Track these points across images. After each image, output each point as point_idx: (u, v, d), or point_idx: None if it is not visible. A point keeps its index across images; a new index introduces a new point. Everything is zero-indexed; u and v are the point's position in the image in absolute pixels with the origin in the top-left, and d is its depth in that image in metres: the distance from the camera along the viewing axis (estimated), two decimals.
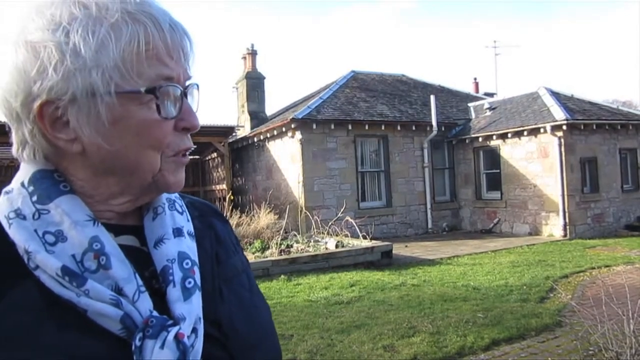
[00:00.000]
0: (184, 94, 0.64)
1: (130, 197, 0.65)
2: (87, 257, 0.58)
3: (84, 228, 0.59)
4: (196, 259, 0.68)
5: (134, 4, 0.61)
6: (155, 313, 0.59)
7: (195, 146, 0.60)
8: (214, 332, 0.65)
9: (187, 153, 0.68)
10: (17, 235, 0.58)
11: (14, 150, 0.64)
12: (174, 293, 0.62)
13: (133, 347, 0.56)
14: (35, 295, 0.56)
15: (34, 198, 0.60)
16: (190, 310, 0.61)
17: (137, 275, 0.60)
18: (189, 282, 0.64)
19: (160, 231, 0.67)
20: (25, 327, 0.55)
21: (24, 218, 0.59)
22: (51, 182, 0.62)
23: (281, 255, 8.22)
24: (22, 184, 0.62)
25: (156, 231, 0.67)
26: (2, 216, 0.61)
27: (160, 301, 0.61)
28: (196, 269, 0.66)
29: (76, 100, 0.58)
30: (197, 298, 0.64)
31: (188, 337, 0.59)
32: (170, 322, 0.59)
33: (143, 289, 0.60)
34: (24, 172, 0.64)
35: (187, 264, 0.65)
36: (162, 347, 0.56)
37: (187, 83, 0.66)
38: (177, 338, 0.58)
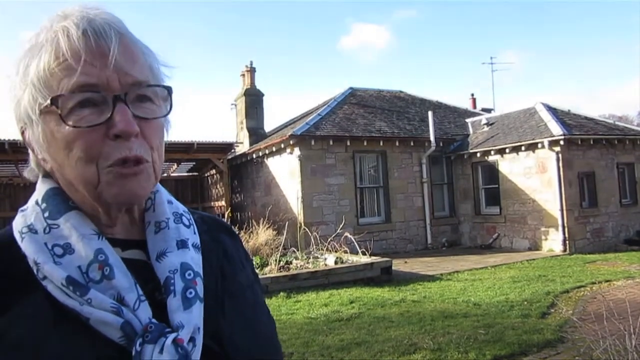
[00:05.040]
0: (120, 99, 0.61)
1: (101, 210, 0.66)
2: (92, 268, 0.60)
3: (90, 241, 0.62)
4: (200, 271, 0.68)
5: (58, 18, 0.64)
6: (154, 321, 0.61)
7: (137, 154, 0.63)
8: (214, 346, 0.65)
9: (137, 162, 0.63)
10: (28, 248, 0.62)
11: (26, 172, 0.72)
12: (174, 302, 0.63)
13: (133, 352, 0.57)
14: (43, 306, 0.59)
15: (46, 214, 0.65)
16: (189, 319, 0.62)
17: (137, 285, 0.62)
18: (190, 293, 0.64)
19: (163, 245, 0.68)
20: (32, 337, 0.57)
21: (36, 232, 0.63)
22: (61, 199, 0.66)
23: (280, 271, 8.17)
24: (37, 202, 0.67)
25: (159, 245, 0.68)
26: (16, 232, 0.65)
27: (162, 313, 0.62)
28: (199, 280, 0.67)
29: (27, 125, 0.65)
30: (197, 308, 0.64)
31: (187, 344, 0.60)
32: (169, 329, 0.60)
33: (143, 297, 0.61)
34: (39, 191, 0.69)
35: (189, 274, 0.66)
36: (160, 351, 0.58)
37: (136, 89, 0.63)
38: (177, 343, 0.59)
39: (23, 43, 0.65)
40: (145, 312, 0.61)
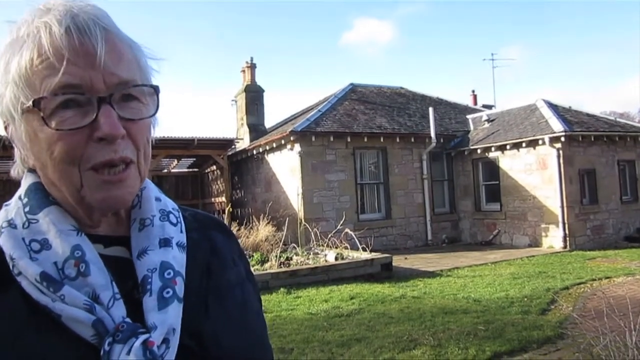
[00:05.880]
0: (104, 100, 0.60)
1: (82, 212, 0.64)
2: (68, 265, 0.59)
3: (68, 237, 0.61)
4: (181, 270, 0.66)
5: (40, 11, 0.61)
6: (128, 320, 0.59)
7: (122, 155, 0.62)
8: (193, 345, 0.64)
9: (123, 165, 0.62)
10: (6, 243, 0.61)
11: (12, 170, 0.71)
12: (149, 302, 0.62)
13: (102, 352, 0.56)
14: (17, 302, 0.58)
15: (27, 209, 0.64)
16: (163, 319, 0.61)
17: (114, 283, 0.60)
18: (167, 292, 0.63)
19: (145, 242, 0.66)
20: (5, 333, 0.56)
21: (15, 227, 0.62)
22: (43, 194, 0.65)
23: (280, 267, 8.18)
24: (19, 197, 0.66)
25: (141, 242, 0.66)
26: None
27: (139, 311, 0.61)
28: (179, 280, 0.65)
29: (9, 121, 0.64)
30: (174, 308, 0.62)
31: (158, 346, 0.58)
32: (142, 329, 0.59)
33: (118, 296, 0.60)
34: (23, 186, 0.68)
35: (169, 274, 0.64)
36: (128, 352, 0.56)
37: (121, 89, 0.62)
38: (147, 345, 0.57)
39: (2, 35, 0.62)
40: (119, 311, 0.59)
